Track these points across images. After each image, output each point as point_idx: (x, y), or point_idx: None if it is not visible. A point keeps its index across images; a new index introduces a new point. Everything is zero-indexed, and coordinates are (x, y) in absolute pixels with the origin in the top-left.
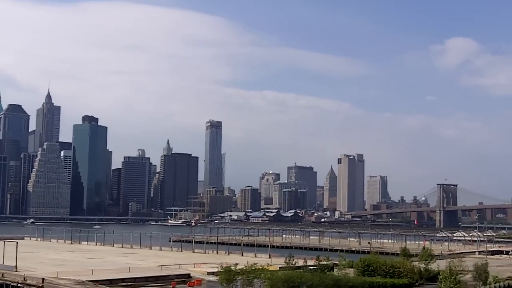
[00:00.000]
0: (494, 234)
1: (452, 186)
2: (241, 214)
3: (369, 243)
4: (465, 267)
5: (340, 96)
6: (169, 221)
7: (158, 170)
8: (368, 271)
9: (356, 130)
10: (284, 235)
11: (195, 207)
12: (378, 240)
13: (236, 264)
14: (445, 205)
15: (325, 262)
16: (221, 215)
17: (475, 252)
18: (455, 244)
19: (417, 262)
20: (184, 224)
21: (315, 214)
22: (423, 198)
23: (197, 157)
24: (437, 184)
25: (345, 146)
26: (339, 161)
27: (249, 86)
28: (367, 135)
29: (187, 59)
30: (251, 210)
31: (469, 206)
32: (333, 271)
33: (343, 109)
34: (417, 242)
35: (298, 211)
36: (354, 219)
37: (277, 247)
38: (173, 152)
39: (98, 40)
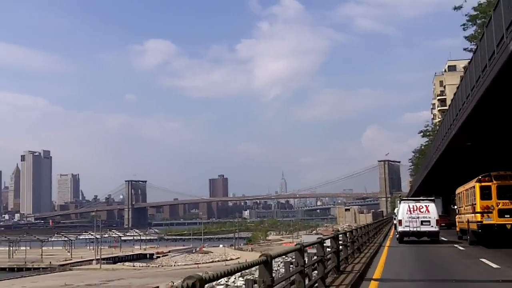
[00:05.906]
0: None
1: (141, 183)
2: None
3: None
4: None
5: (36, 92)
6: None
7: None
8: None
9: (56, 128)
10: None
11: None
12: None
13: None
14: (133, 202)
15: None
16: None
17: (92, 260)
18: (92, 247)
19: None
20: None
21: None
22: (121, 197)
23: None
24: (125, 181)
25: (42, 145)
26: (23, 158)
27: None
28: (67, 134)
29: None
30: None
31: (158, 202)
32: None
33: (40, 105)
34: (45, 248)
35: None
36: (37, 221)
37: None
38: None
39: None
